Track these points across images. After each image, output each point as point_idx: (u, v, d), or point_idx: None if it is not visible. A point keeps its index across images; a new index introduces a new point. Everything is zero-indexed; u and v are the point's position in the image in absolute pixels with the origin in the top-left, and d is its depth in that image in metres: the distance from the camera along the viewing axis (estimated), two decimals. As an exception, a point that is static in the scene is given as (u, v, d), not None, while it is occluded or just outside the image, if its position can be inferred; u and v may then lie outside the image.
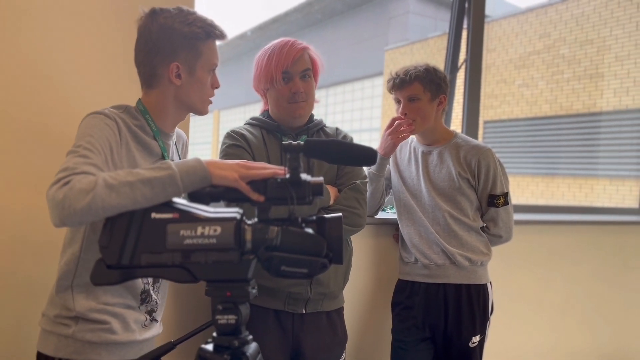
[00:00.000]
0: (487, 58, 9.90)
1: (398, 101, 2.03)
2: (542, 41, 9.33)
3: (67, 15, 1.64)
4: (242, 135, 1.63)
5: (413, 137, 2.13)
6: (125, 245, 0.93)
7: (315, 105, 1.73)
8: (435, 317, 2.00)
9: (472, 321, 1.98)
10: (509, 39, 9.87)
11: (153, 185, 0.99)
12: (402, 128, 1.98)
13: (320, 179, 0.99)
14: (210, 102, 1.37)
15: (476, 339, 1.99)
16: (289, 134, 1.68)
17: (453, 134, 2.08)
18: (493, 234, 2.06)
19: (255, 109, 1.88)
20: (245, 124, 1.74)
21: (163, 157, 1.33)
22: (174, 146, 1.41)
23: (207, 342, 1.00)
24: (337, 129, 1.79)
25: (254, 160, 1.58)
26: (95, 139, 1.14)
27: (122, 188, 0.97)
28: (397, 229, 2.17)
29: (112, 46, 1.70)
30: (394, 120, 2.01)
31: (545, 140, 9.29)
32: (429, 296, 2.02)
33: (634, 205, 3.51)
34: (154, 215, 0.95)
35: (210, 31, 1.30)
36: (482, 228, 2.06)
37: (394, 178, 2.15)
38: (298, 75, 1.63)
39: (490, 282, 2.06)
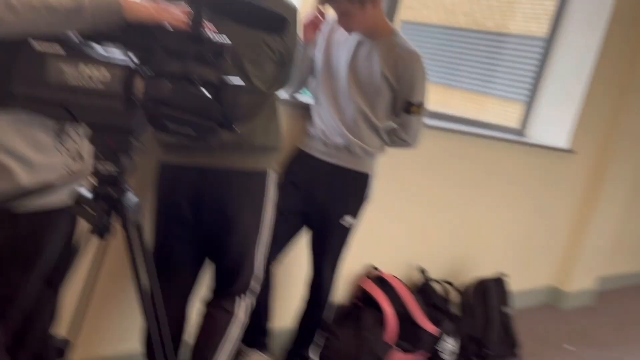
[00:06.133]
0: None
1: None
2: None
3: None
4: None
5: None
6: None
7: None
8: (316, 190, 2.12)
9: (348, 201, 2.14)
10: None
11: (58, 13, 0.91)
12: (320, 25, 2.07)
13: (227, 42, 0.94)
14: None
15: (349, 218, 2.15)
16: None
17: (392, 32, 2.03)
18: (400, 138, 2.12)
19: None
20: None
21: None
22: None
23: (85, 189, 0.97)
24: None
25: None
26: None
27: (24, 10, 0.90)
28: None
29: None
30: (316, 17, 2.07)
31: (452, 51, 9.52)
32: (317, 171, 2.12)
33: (516, 126, 3.77)
34: (37, 46, 0.87)
35: None
36: (389, 130, 2.12)
37: (320, 56, 2.09)
38: None
39: (372, 174, 2.18)
